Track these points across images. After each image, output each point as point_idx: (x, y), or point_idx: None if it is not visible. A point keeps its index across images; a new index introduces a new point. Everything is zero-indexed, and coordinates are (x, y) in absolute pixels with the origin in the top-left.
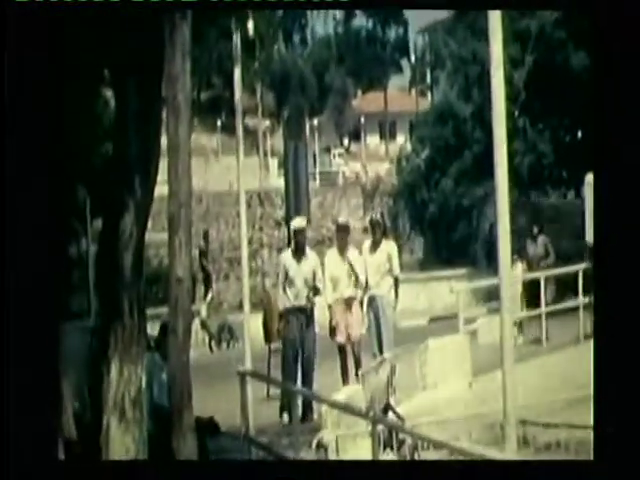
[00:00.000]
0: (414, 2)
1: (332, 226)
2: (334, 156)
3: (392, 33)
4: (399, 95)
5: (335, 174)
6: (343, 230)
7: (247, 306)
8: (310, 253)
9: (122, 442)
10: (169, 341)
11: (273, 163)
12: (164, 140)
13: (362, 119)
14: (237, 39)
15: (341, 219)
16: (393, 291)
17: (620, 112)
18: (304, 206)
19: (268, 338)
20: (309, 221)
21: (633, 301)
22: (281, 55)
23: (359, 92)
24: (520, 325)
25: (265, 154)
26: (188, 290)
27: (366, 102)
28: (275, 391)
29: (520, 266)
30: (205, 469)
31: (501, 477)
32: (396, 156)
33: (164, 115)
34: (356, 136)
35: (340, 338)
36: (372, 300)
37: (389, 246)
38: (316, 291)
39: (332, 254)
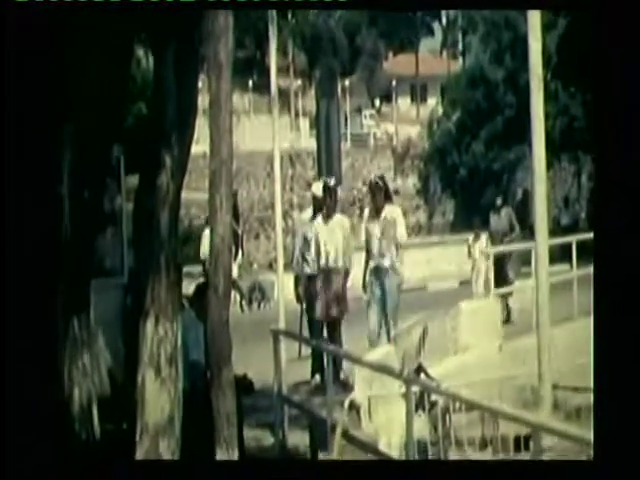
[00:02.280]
0: (415, 2)
1: (363, 188)
2: (365, 117)
3: None
4: (430, 58)
5: (366, 135)
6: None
7: (281, 266)
8: (337, 215)
9: (157, 400)
10: (209, 298)
11: (304, 123)
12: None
13: (393, 81)
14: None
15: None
16: (398, 260)
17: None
18: (335, 167)
19: (299, 298)
20: (339, 182)
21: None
22: (313, 16)
23: (390, 54)
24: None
25: (296, 114)
26: (229, 247)
27: (397, 64)
28: (307, 351)
29: (484, 240)
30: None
31: (501, 477)
32: (427, 119)
33: (205, 73)
34: (387, 98)
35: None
36: (376, 270)
37: (393, 211)
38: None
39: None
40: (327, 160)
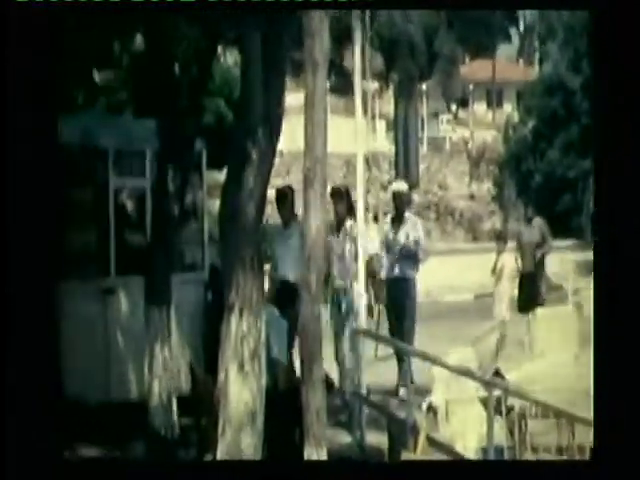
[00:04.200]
0: (416, 2)
1: (439, 192)
2: (442, 122)
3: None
4: (507, 64)
5: (442, 140)
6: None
7: (361, 265)
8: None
9: (240, 395)
10: (301, 294)
11: (381, 126)
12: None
13: (470, 86)
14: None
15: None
16: (416, 272)
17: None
18: (413, 170)
19: (377, 299)
20: (416, 186)
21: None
22: (391, 19)
23: (467, 59)
24: None
25: (373, 116)
26: (322, 244)
27: (474, 69)
28: (384, 352)
29: (511, 256)
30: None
31: (501, 477)
32: (503, 125)
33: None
34: (463, 103)
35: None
36: (395, 282)
37: (412, 221)
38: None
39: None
40: (405, 163)
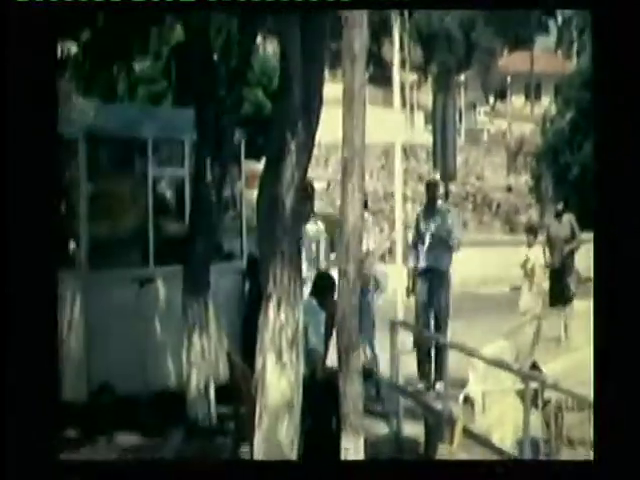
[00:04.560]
0: (416, 2)
1: (476, 183)
2: (479, 113)
3: None
4: (545, 56)
5: (480, 132)
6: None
7: (399, 257)
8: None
9: (277, 384)
10: (339, 284)
11: (419, 117)
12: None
13: (508, 78)
14: None
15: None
16: (449, 263)
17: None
18: (450, 162)
19: (410, 291)
20: (453, 177)
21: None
22: (429, 11)
23: (505, 51)
24: None
25: (411, 108)
26: (359, 236)
27: (512, 61)
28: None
29: (540, 249)
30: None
31: (501, 477)
32: (540, 117)
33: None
34: (501, 95)
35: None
36: (427, 271)
37: (448, 212)
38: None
39: None
40: (442, 155)
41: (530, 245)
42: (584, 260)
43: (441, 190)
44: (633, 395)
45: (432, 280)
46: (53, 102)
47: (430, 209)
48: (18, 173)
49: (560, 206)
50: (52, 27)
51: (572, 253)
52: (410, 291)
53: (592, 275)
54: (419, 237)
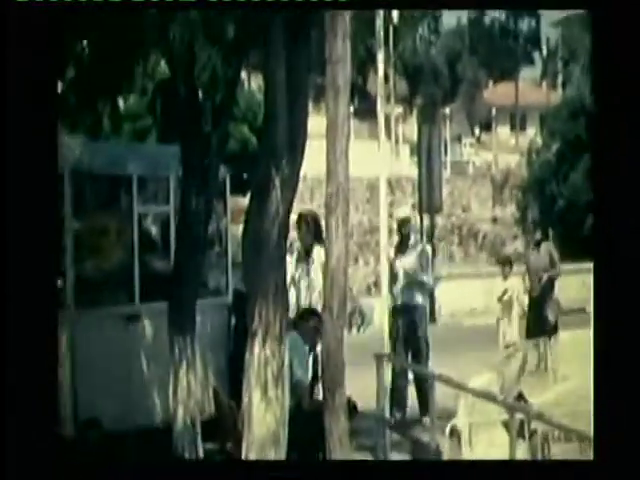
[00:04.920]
0: (416, 2)
1: (462, 215)
2: (465, 145)
3: (524, 25)
4: (530, 87)
5: (466, 163)
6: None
7: (385, 289)
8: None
9: (263, 419)
10: (324, 319)
11: (404, 149)
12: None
13: (493, 110)
14: (380, 29)
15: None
16: (425, 299)
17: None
18: (436, 194)
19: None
20: (439, 209)
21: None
22: (414, 44)
23: (490, 82)
24: None
25: (396, 140)
26: (344, 269)
27: (497, 93)
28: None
29: (518, 280)
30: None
31: (501, 477)
32: (526, 148)
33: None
34: (487, 126)
35: None
36: (402, 309)
37: (422, 252)
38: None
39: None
40: (428, 187)
41: (506, 277)
42: (566, 291)
43: (418, 224)
44: (633, 395)
45: (408, 317)
46: (53, 102)
47: (402, 247)
48: (17, 175)
49: (538, 235)
50: (52, 27)
51: (552, 282)
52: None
53: (585, 306)
54: (392, 276)
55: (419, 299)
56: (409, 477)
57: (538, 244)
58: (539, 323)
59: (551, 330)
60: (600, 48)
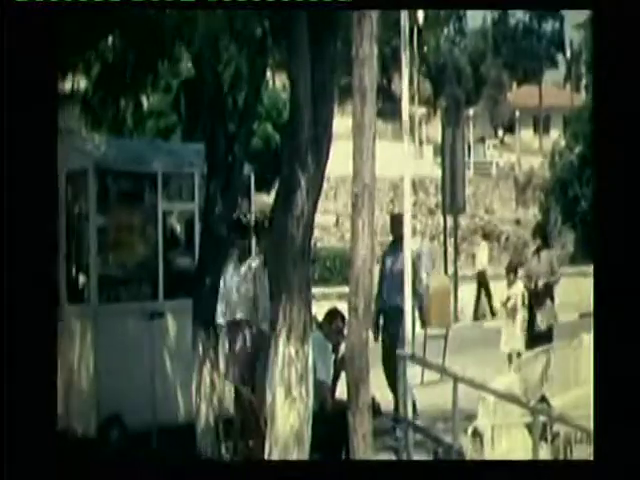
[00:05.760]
0: (416, 2)
1: (485, 216)
2: (488, 147)
3: (548, 27)
4: (553, 90)
5: (489, 165)
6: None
7: (408, 290)
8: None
9: (287, 418)
10: (349, 319)
11: (428, 150)
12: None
13: (517, 112)
14: (405, 29)
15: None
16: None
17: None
18: (459, 195)
19: (423, 323)
20: (462, 210)
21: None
22: (438, 45)
23: (514, 85)
24: None
25: (420, 142)
26: (370, 270)
27: (520, 95)
28: (430, 377)
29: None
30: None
31: (502, 477)
32: (549, 151)
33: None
34: (510, 128)
35: None
36: (391, 311)
37: (418, 254)
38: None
39: None
40: (451, 188)
41: (510, 284)
42: (587, 294)
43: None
44: (633, 395)
45: (395, 319)
46: (53, 102)
47: (395, 246)
48: (17, 176)
49: (539, 242)
50: (52, 27)
51: (549, 289)
52: (375, 331)
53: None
54: (382, 274)
55: (406, 302)
56: (431, 477)
57: (538, 251)
58: (529, 331)
59: (542, 338)
60: (600, 48)
